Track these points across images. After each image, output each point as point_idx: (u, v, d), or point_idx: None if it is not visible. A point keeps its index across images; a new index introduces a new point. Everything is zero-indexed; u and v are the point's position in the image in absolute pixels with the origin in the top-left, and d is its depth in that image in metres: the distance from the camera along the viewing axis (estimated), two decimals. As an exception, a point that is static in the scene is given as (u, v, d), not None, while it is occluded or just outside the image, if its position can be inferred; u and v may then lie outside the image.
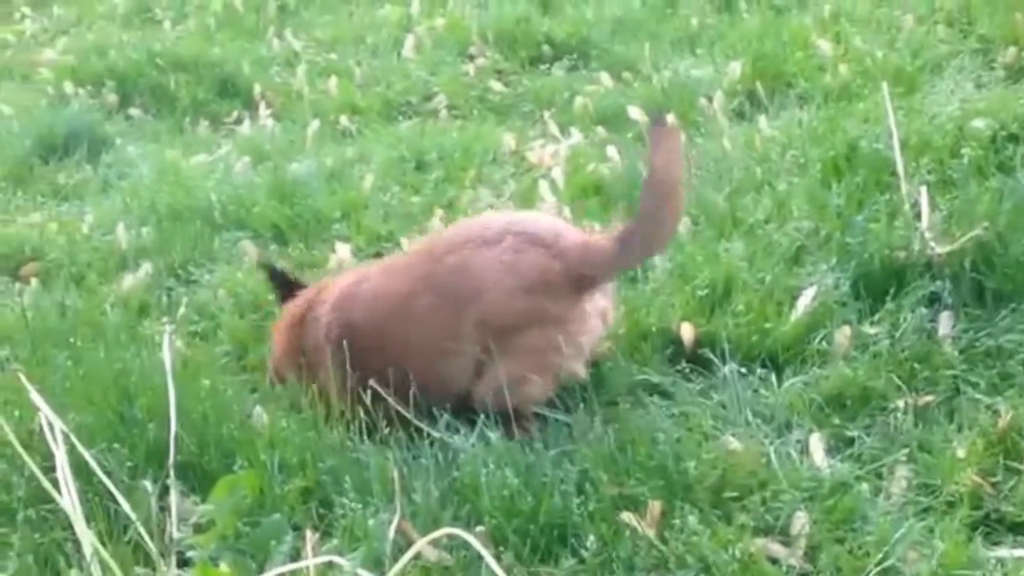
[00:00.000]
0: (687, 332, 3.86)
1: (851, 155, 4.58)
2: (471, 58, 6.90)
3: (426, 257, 3.74)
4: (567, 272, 3.50)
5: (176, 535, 3.27)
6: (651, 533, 3.11)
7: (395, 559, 3.05)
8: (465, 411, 3.59)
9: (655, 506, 3.17)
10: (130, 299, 4.69)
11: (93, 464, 3.23)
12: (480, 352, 3.54)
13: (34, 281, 5.00)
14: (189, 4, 8.57)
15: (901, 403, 3.49)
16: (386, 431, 3.57)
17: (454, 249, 3.63)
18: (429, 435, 3.52)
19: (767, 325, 3.83)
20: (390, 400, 3.59)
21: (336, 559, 3.04)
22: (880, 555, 2.99)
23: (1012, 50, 5.36)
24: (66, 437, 3.15)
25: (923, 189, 4.17)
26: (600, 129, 5.75)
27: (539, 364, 3.54)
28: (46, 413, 3.19)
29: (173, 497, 3.34)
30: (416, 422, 3.56)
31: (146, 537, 3.15)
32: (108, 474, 3.27)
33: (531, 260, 3.51)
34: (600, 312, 3.61)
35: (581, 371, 3.63)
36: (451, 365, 3.60)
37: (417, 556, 3.02)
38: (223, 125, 6.76)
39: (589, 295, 3.56)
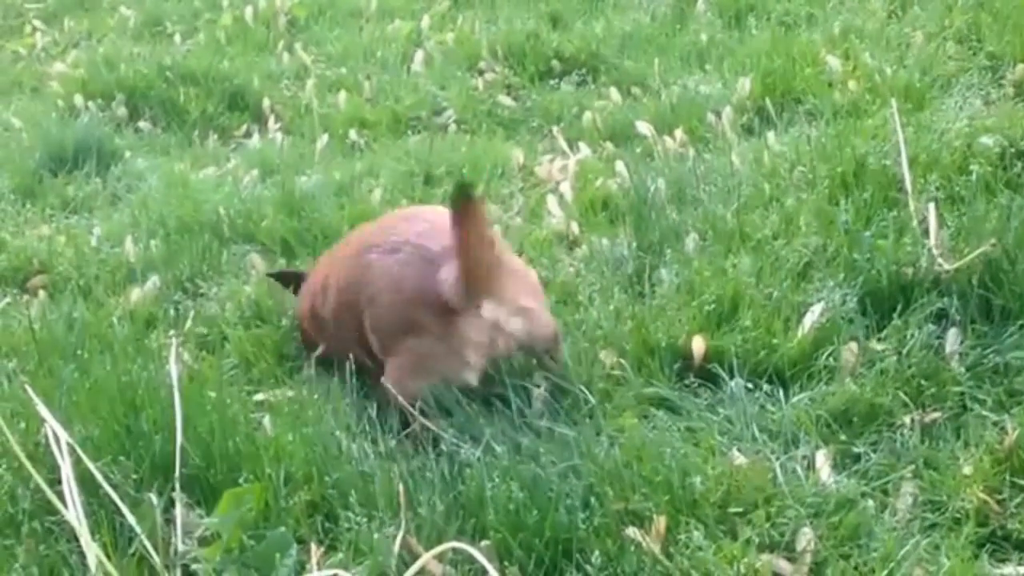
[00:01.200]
0: (698, 345, 3.85)
1: (859, 171, 4.57)
2: (480, 73, 6.89)
3: (354, 250, 4.01)
4: (439, 292, 3.66)
5: (181, 548, 3.28)
6: (656, 548, 3.10)
7: (400, 573, 3.06)
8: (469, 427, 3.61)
9: (660, 521, 3.17)
10: (137, 312, 4.69)
11: (99, 476, 3.25)
12: (376, 348, 3.80)
13: (42, 293, 5.01)
14: (199, 18, 8.58)
15: (908, 420, 3.49)
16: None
17: (369, 248, 3.89)
18: (436, 448, 3.52)
19: (774, 341, 3.83)
20: (406, 405, 3.64)
21: (341, 573, 3.05)
22: (885, 572, 2.99)
23: (1021, 67, 5.35)
24: (72, 449, 3.17)
25: (931, 206, 4.16)
26: (609, 144, 5.76)
27: (418, 368, 3.69)
28: (52, 425, 3.21)
29: (178, 510, 3.35)
30: (427, 423, 3.58)
31: (151, 550, 3.16)
32: (114, 486, 3.28)
33: (414, 275, 3.70)
34: (492, 323, 3.67)
35: (469, 377, 3.69)
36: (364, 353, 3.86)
37: (422, 570, 3.02)
38: (232, 139, 6.77)
39: (464, 311, 3.64)
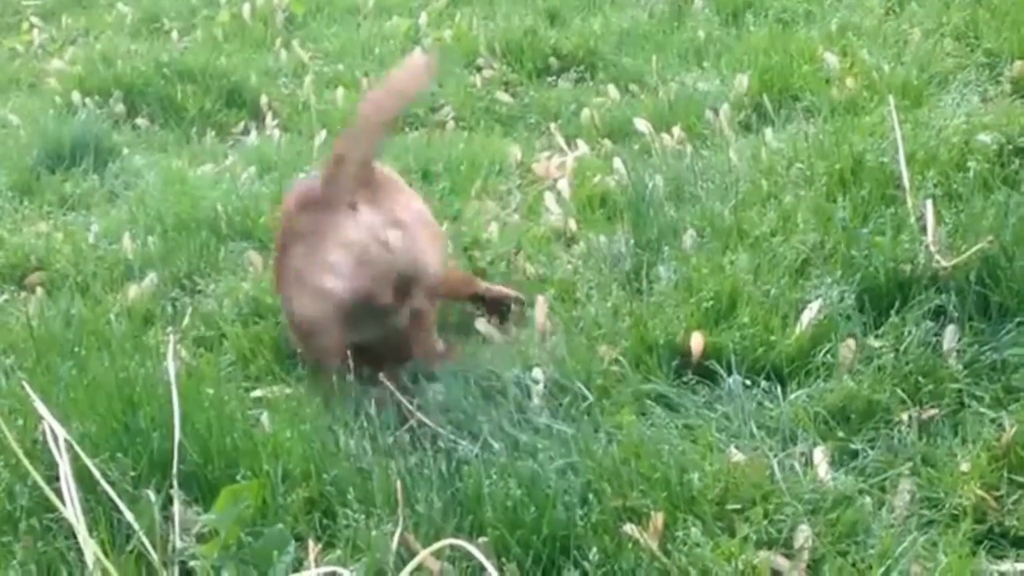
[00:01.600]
0: (696, 342, 3.85)
1: (857, 168, 4.57)
2: (478, 69, 6.89)
3: None
4: (313, 196, 3.85)
5: (179, 545, 3.27)
6: (654, 545, 3.10)
7: (398, 570, 3.06)
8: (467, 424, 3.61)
9: (658, 518, 3.16)
10: (135, 309, 4.69)
11: (96, 473, 3.24)
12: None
13: (39, 290, 5.00)
14: (197, 15, 8.58)
15: (905, 416, 3.48)
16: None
17: None
18: (433, 444, 3.52)
19: (772, 338, 3.83)
20: (398, 395, 3.67)
21: (339, 570, 3.04)
22: (883, 568, 2.99)
23: (1019, 64, 5.35)
24: (69, 446, 3.16)
25: (929, 202, 4.16)
26: (607, 141, 5.75)
27: (297, 278, 3.83)
28: (50, 422, 3.20)
29: (176, 507, 3.34)
30: (423, 418, 3.58)
31: (149, 547, 3.16)
32: (111, 483, 3.28)
33: (300, 189, 4.01)
34: (367, 225, 3.77)
35: (338, 287, 3.75)
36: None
37: (420, 567, 3.01)
38: (230, 135, 6.77)
39: (332, 213, 3.77)
